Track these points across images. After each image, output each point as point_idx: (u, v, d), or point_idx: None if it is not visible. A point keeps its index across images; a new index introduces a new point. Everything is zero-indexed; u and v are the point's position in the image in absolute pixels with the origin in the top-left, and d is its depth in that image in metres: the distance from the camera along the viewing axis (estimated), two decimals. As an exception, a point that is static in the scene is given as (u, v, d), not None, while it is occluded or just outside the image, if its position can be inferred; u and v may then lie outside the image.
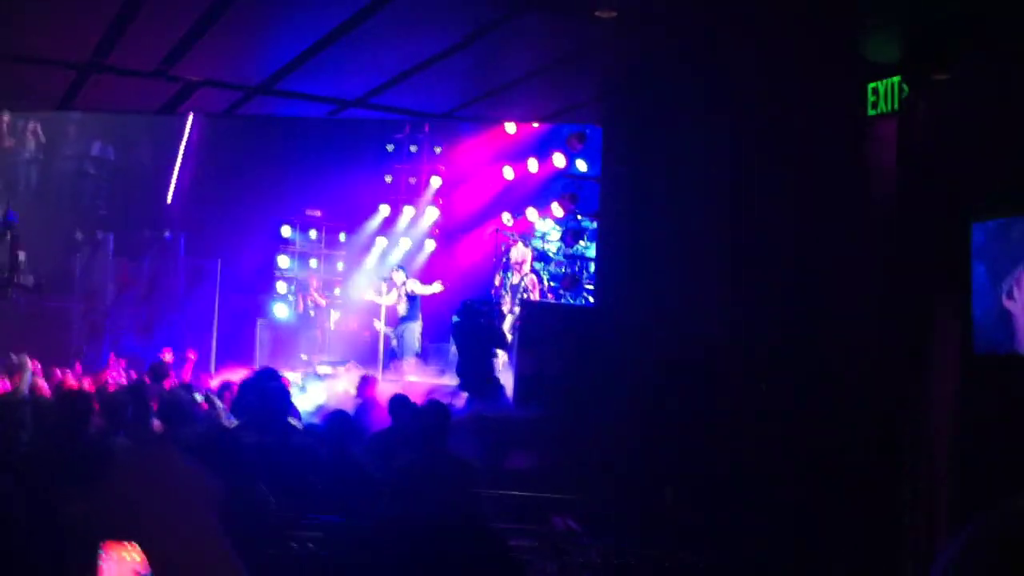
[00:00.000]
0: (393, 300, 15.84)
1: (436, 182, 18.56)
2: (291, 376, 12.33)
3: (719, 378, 8.80)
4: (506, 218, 16.28)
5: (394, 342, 15.68)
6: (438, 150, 18.66)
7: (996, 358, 6.98)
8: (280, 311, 18.55)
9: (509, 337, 12.25)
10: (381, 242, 18.99)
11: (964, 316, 7.14)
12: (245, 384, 8.10)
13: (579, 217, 14.05)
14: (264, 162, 17.95)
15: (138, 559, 1.90)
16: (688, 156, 9.81)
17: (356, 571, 4.85)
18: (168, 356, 13.39)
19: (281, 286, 18.88)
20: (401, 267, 16.42)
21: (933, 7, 7.21)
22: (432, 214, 18.62)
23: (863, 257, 7.83)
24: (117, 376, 13.27)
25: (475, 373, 11.33)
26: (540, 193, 15.61)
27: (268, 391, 7.30)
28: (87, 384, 11.11)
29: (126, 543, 1.88)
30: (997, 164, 6.99)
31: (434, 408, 6.68)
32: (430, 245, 18.59)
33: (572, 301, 13.92)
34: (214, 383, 11.75)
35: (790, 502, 7.41)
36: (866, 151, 7.87)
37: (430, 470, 5.99)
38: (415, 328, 15.42)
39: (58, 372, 12.25)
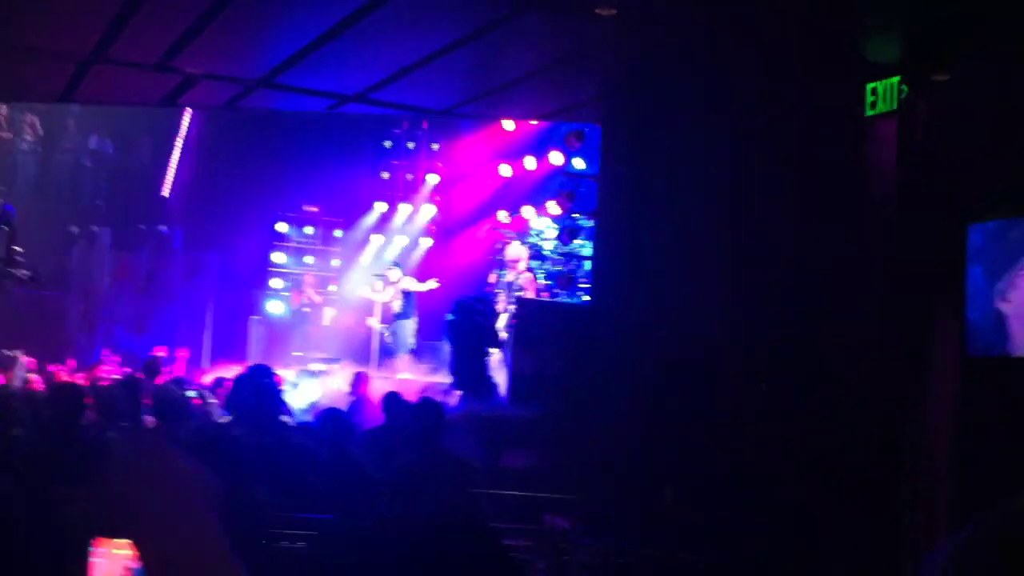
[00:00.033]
0: (388, 297, 15.82)
1: (433, 179, 18.53)
2: (284, 373, 12.30)
3: (716, 377, 8.79)
4: (503, 216, 16.26)
5: (388, 339, 15.65)
6: (436, 147, 18.64)
7: (991, 360, 6.98)
8: (275, 307, 18.52)
9: (504, 335, 12.23)
10: (377, 239, 18.96)
11: (961, 317, 7.14)
12: (238, 380, 8.08)
13: (576, 215, 14.03)
14: (261, 158, 17.91)
15: (129, 555, 1.88)
16: (687, 155, 9.80)
17: (355, 570, 4.83)
18: (162, 353, 13.38)
19: (276, 282, 18.86)
20: (397, 264, 16.40)
21: (933, 7, 7.20)
22: (428, 211, 18.60)
23: (862, 257, 7.82)
24: (110, 371, 13.24)
25: (469, 371, 11.32)
26: (537, 191, 15.60)
27: (261, 388, 7.28)
28: (80, 379, 11.08)
29: (118, 539, 1.86)
30: (996, 165, 6.99)
31: (428, 406, 6.67)
32: (426, 242, 18.57)
33: (568, 300, 13.90)
34: (207, 379, 11.72)
35: (790, 502, 7.40)
36: (865, 151, 7.87)
37: (429, 469, 5.97)
38: (409, 325, 15.40)
39: (51, 368, 12.22)
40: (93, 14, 8.41)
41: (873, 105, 7.74)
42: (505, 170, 16.18)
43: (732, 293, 9.04)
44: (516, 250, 14.34)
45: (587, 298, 13.11)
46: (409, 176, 18.77)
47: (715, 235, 9.34)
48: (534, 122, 14.67)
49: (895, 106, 7.56)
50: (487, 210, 16.81)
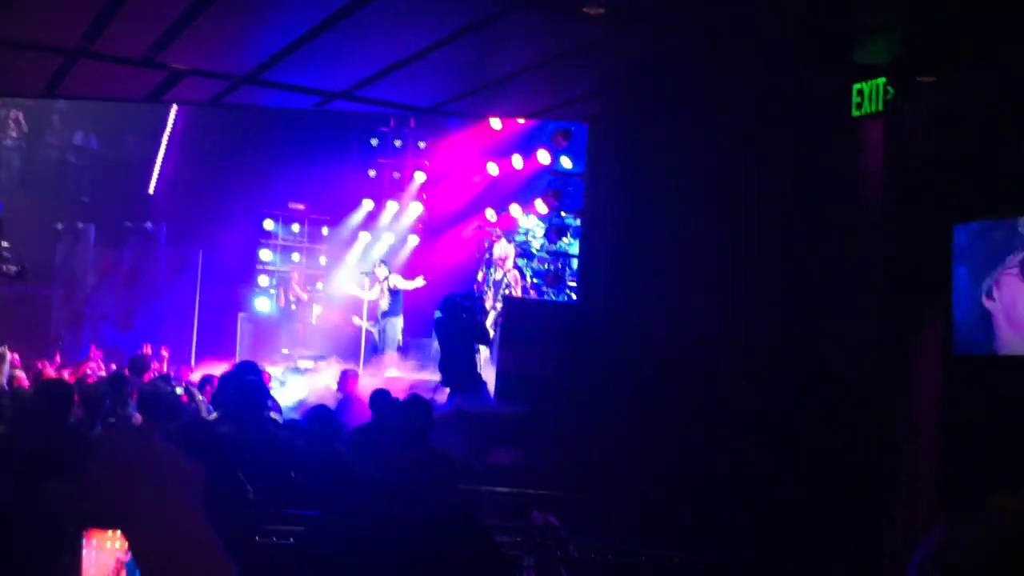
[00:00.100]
0: (375, 295, 15.82)
1: (420, 177, 18.53)
2: (272, 370, 12.29)
3: (706, 376, 8.81)
4: (490, 214, 16.28)
5: (376, 337, 15.65)
6: (422, 145, 18.64)
7: (977, 358, 7.03)
8: (262, 305, 18.49)
9: (491, 333, 12.24)
10: (364, 237, 18.95)
11: (947, 317, 7.19)
12: (225, 377, 8.08)
13: (563, 214, 14.06)
14: (247, 154, 17.88)
15: (121, 547, 1.88)
16: (674, 154, 9.82)
17: (347, 568, 4.83)
18: (147, 350, 13.34)
19: (263, 279, 18.84)
20: (384, 262, 16.40)
21: (919, 11, 7.25)
22: (416, 209, 18.60)
23: (851, 257, 7.86)
24: (96, 368, 13.20)
25: (457, 369, 11.32)
26: (524, 189, 15.62)
27: (246, 384, 7.27)
28: (66, 375, 11.05)
29: (108, 530, 1.86)
30: (981, 166, 7.04)
31: (417, 404, 6.67)
32: (413, 240, 18.57)
33: (555, 298, 13.92)
34: (195, 376, 11.70)
35: (788, 502, 7.42)
36: (852, 152, 7.90)
37: (415, 466, 5.97)
38: (397, 323, 15.40)
39: (38, 364, 12.18)
40: (78, 7, 8.37)
41: (859, 106, 7.78)
42: (492, 168, 16.19)
43: (720, 292, 9.07)
44: (503, 248, 14.36)
45: (575, 296, 13.13)
46: (396, 174, 18.77)
47: (703, 233, 9.37)
48: (521, 120, 14.68)
49: (881, 107, 7.60)
50: (474, 208, 16.82)
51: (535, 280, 14.63)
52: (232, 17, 8.68)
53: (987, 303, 6.92)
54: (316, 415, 7.31)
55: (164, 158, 19.31)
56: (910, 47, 7.34)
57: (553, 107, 11.31)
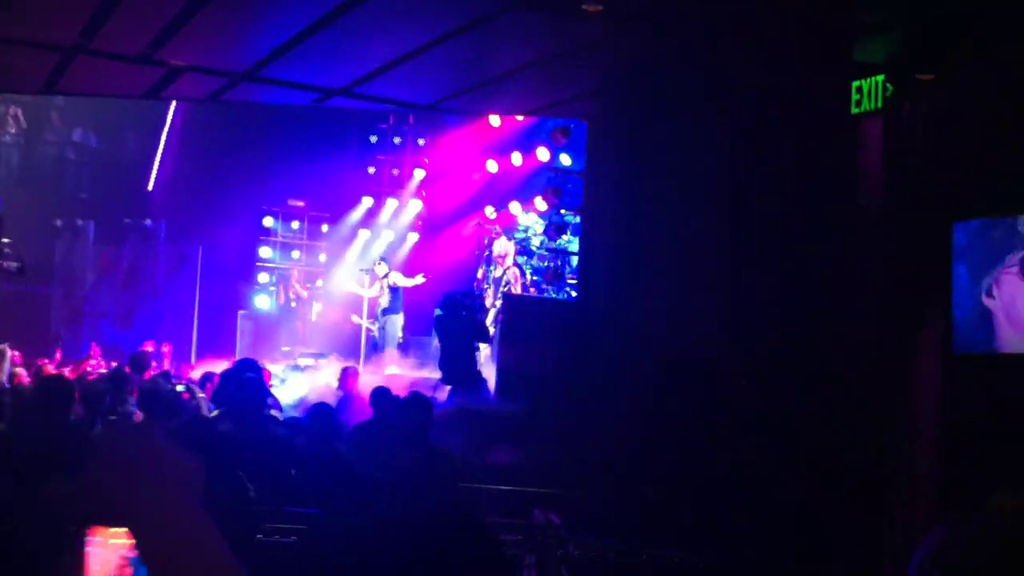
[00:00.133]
0: (375, 292, 15.81)
1: (419, 174, 18.52)
2: (272, 368, 12.29)
3: (706, 375, 8.80)
4: (489, 211, 16.27)
5: (376, 334, 15.65)
6: (422, 142, 18.63)
7: (976, 357, 7.04)
8: (262, 302, 18.49)
9: (491, 330, 12.24)
10: (364, 234, 18.94)
11: (947, 315, 7.19)
12: (226, 375, 8.08)
13: (562, 211, 14.05)
14: (247, 151, 17.86)
15: (125, 544, 1.88)
16: (673, 153, 9.80)
17: (342, 567, 4.83)
18: (149, 347, 13.34)
19: (263, 277, 18.83)
20: (384, 259, 16.39)
21: (917, 9, 7.25)
22: (415, 206, 18.59)
23: (850, 256, 7.85)
24: (97, 365, 13.20)
25: (457, 366, 11.32)
26: (524, 187, 15.61)
27: (246, 382, 7.28)
28: (67, 373, 11.05)
29: (111, 528, 1.86)
30: (980, 164, 7.03)
31: (417, 401, 6.67)
32: (413, 237, 18.56)
33: (555, 295, 13.92)
34: (196, 374, 11.70)
35: (788, 502, 7.42)
36: (852, 150, 7.90)
37: (415, 465, 5.97)
38: (397, 320, 15.40)
39: (38, 362, 12.17)
40: (76, 4, 8.36)
41: (858, 104, 7.78)
42: (492, 166, 16.18)
43: (719, 291, 9.05)
44: (503, 246, 14.35)
45: (575, 294, 13.13)
46: (395, 171, 18.76)
47: (702, 233, 9.35)
48: (520, 117, 14.67)
49: (880, 105, 7.60)
50: (474, 206, 16.81)
51: (535, 277, 14.62)
52: (230, 13, 8.68)
53: (987, 302, 6.92)
54: (317, 413, 7.32)
55: (163, 155, 19.29)
56: (910, 45, 7.34)
57: (552, 104, 11.31)
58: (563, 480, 8.14)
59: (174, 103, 18.00)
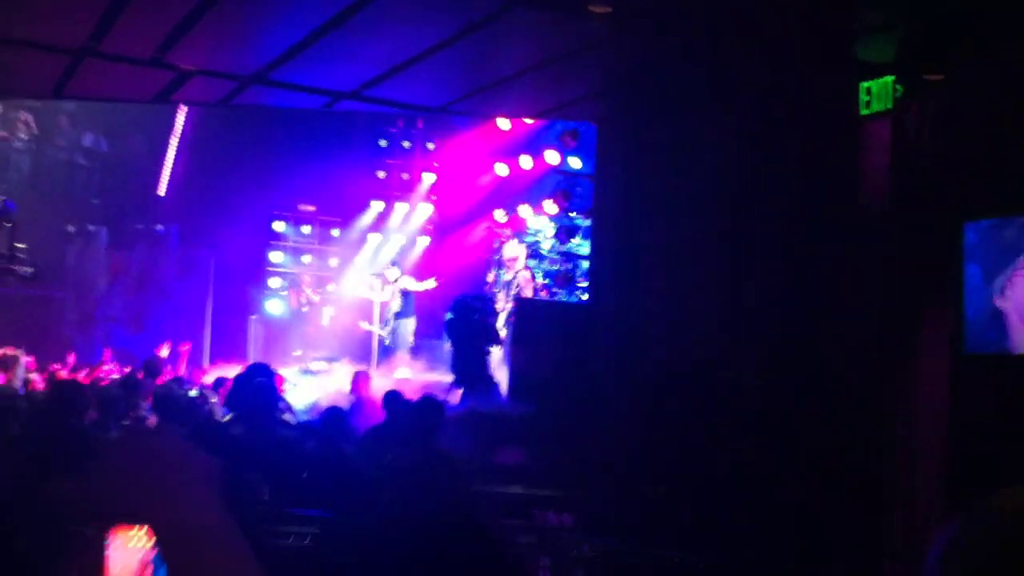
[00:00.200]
0: (387, 297, 15.83)
1: (429, 178, 18.54)
2: (285, 372, 12.32)
3: (714, 377, 8.80)
4: (499, 215, 16.27)
5: (387, 340, 15.67)
6: (431, 146, 18.64)
7: (987, 357, 7.01)
8: (273, 307, 18.53)
9: (503, 334, 12.25)
10: (374, 238, 18.96)
11: (958, 315, 7.16)
12: (238, 379, 8.11)
13: (573, 214, 14.06)
14: (257, 155, 17.90)
15: (145, 545, 1.90)
16: (676, 152, 9.81)
17: (343, 567, 4.84)
18: (165, 350, 13.35)
19: (274, 281, 18.87)
20: (395, 263, 16.40)
21: (928, 6, 7.24)
22: (425, 210, 18.60)
23: (859, 256, 7.84)
24: (110, 371, 13.25)
25: (469, 370, 11.33)
26: (534, 190, 15.61)
27: (257, 386, 7.31)
28: (81, 378, 11.09)
29: (132, 527, 1.88)
30: (990, 164, 7.02)
31: (429, 404, 6.68)
32: (423, 241, 18.57)
33: (566, 298, 13.92)
34: (208, 378, 11.74)
35: (789, 502, 7.42)
36: (860, 151, 7.88)
37: (414, 466, 5.98)
38: (408, 324, 15.42)
39: (51, 367, 12.22)
40: (85, 7, 8.39)
41: (868, 104, 7.77)
42: (501, 169, 16.19)
43: (728, 292, 9.05)
44: (513, 249, 14.35)
45: (585, 297, 13.13)
46: (405, 175, 18.77)
47: (707, 233, 9.35)
48: (529, 121, 14.68)
49: (890, 105, 7.59)
50: (484, 209, 16.81)
51: (546, 281, 14.63)
52: (239, 17, 8.71)
53: (999, 302, 6.90)
54: (329, 417, 7.34)
55: (174, 160, 19.35)
56: (917, 44, 7.33)
57: (561, 106, 11.32)
58: (570, 481, 8.15)
59: (184, 108, 18.05)
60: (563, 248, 14.39)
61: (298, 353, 17.28)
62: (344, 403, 9.16)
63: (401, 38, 8.93)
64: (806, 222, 8.28)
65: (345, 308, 18.29)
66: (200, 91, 11.26)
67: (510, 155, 15.88)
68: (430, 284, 15.52)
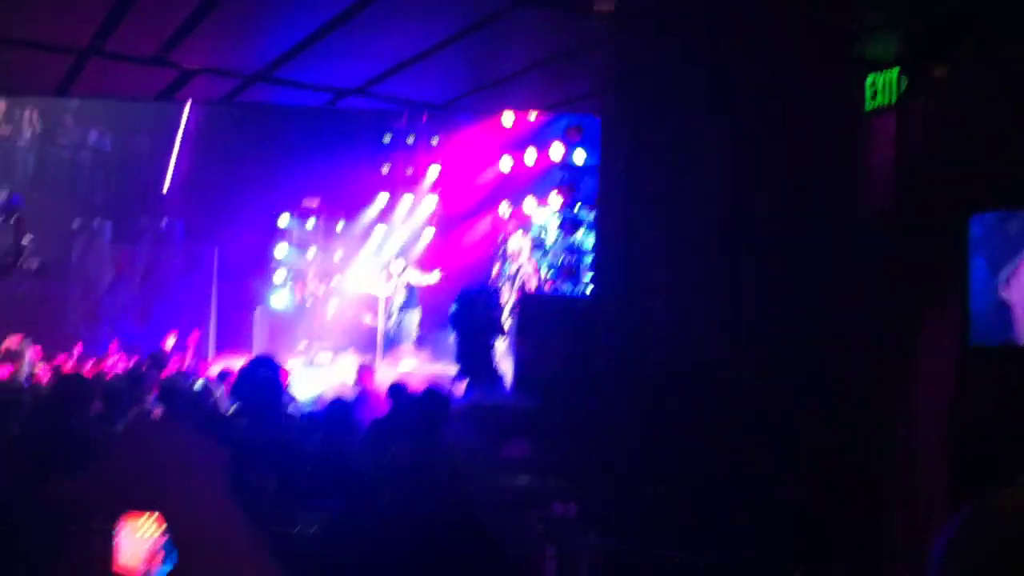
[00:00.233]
0: (391, 289, 15.85)
1: (434, 171, 18.54)
2: (290, 365, 12.35)
3: (713, 377, 8.80)
4: (504, 208, 16.28)
5: (393, 331, 15.70)
6: (435, 141, 18.63)
7: (992, 348, 7.02)
8: (278, 300, 18.56)
9: (507, 326, 12.27)
10: (379, 231, 18.98)
11: (963, 307, 7.16)
12: (243, 372, 8.13)
13: (577, 208, 14.07)
14: (261, 151, 17.94)
15: (155, 533, 1.91)
16: (675, 150, 9.80)
17: (343, 567, 4.87)
18: (171, 340, 13.38)
19: (279, 275, 18.89)
20: (399, 256, 16.42)
21: (927, 8, 7.24)
22: (431, 202, 18.60)
23: (859, 256, 7.84)
24: (115, 364, 13.29)
25: (474, 362, 11.35)
26: (538, 183, 15.62)
27: (261, 379, 7.32)
28: (86, 370, 11.13)
29: (142, 516, 1.89)
30: (996, 156, 7.01)
31: (434, 396, 6.70)
32: (428, 234, 18.58)
33: (570, 291, 13.94)
34: (213, 371, 11.77)
35: (790, 502, 7.42)
36: (864, 144, 7.88)
37: (416, 466, 5.99)
38: (413, 317, 15.44)
39: (58, 359, 12.26)
40: (90, 6, 8.40)
41: (873, 97, 7.76)
42: (506, 163, 16.20)
43: (730, 286, 9.05)
44: (518, 242, 14.37)
45: (590, 290, 13.15)
46: (409, 170, 18.78)
47: (703, 230, 9.35)
48: (533, 116, 14.68)
49: (894, 99, 7.58)
50: (489, 202, 16.82)
51: (550, 273, 14.65)
52: (243, 15, 8.72)
53: (1004, 293, 6.91)
54: (334, 409, 7.36)
55: (178, 156, 19.38)
56: (921, 39, 7.33)
57: (566, 101, 11.33)
58: (575, 473, 8.16)
59: (188, 104, 18.08)
60: (568, 241, 14.40)
61: (303, 346, 17.32)
62: (349, 395, 9.18)
63: (407, 34, 8.94)
64: (806, 222, 8.28)
65: (349, 301, 18.32)
66: (205, 89, 11.28)
67: (514, 149, 15.88)
68: (434, 277, 15.54)
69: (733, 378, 8.51)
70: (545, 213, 15.40)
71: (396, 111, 17.05)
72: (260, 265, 18.71)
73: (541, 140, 15.04)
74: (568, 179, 13.97)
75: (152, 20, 8.63)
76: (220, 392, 9.29)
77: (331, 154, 17.80)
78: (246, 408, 7.20)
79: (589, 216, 13.61)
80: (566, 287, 14.10)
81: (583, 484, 7.83)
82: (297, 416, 8.56)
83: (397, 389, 8.33)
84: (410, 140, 18.76)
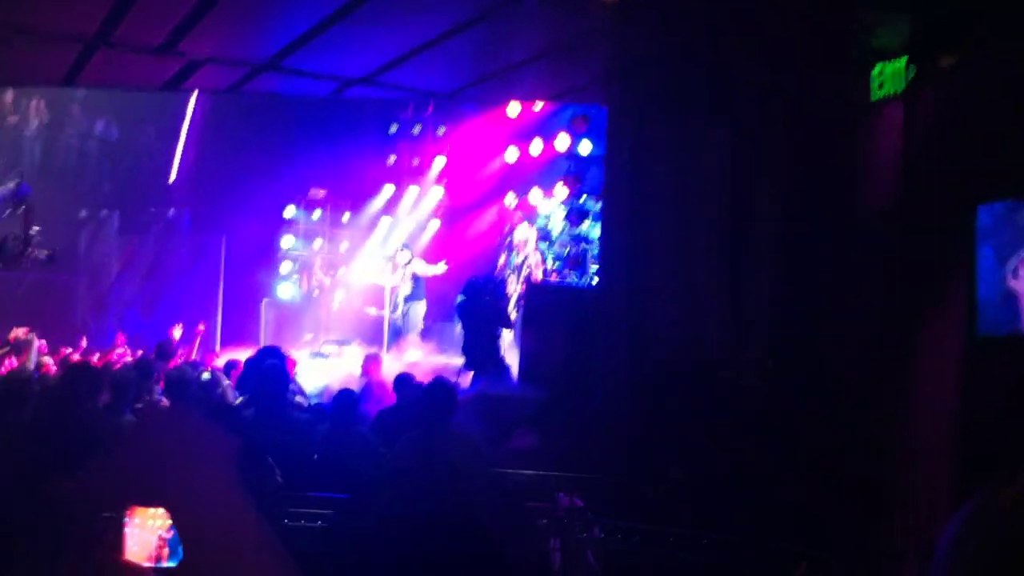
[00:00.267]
0: (398, 280, 15.85)
1: (440, 162, 18.52)
2: (297, 355, 12.37)
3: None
4: (510, 198, 16.25)
5: (399, 322, 15.70)
6: (441, 131, 18.60)
7: (999, 338, 7.00)
8: (285, 291, 18.58)
9: (513, 316, 12.27)
10: (385, 222, 18.97)
11: (970, 298, 7.15)
12: (249, 362, 8.16)
13: (583, 198, 14.04)
14: (268, 141, 17.92)
15: (163, 524, 1.92)
16: (677, 148, 9.78)
17: (345, 567, 4.88)
18: (178, 331, 13.40)
19: (285, 266, 18.91)
20: (406, 247, 16.42)
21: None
22: (436, 193, 18.58)
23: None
24: (123, 354, 13.32)
25: (480, 352, 11.35)
26: (544, 173, 15.59)
27: (268, 369, 7.34)
28: (94, 361, 11.15)
29: (151, 506, 1.90)
30: (1004, 146, 6.99)
31: (440, 387, 6.70)
32: (434, 225, 18.57)
33: (576, 281, 13.93)
34: (220, 361, 11.80)
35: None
36: (871, 135, 7.86)
37: (430, 448, 6.00)
38: (419, 307, 15.44)
39: (64, 350, 12.29)
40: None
41: (880, 86, 7.73)
42: (512, 153, 16.17)
43: (731, 286, 9.04)
44: (524, 232, 14.35)
45: (596, 280, 13.13)
46: (415, 160, 18.76)
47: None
48: (539, 106, 14.65)
49: (902, 88, 7.56)
50: (495, 193, 16.79)
51: (557, 264, 14.63)
52: (250, 4, 8.71)
53: (1012, 283, 6.90)
54: (340, 400, 7.38)
55: (185, 146, 19.39)
56: (929, 28, 7.30)
57: (572, 91, 11.30)
58: (581, 465, 8.16)
59: (195, 94, 18.08)
60: (574, 231, 14.38)
61: (309, 337, 17.34)
62: (355, 386, 9.20)
63: (414, 23, 8.92)
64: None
65: (356, 292, 18.33)
66: (211, 78, 11.27)
67: (521, 139, 15.86)
68: (441, 268, 15.53)
69: (733, 378, 8.50)
70: (551, 203, 15.37)
71: (402, 102, 17.02)
72: (266, 256, 18.72)
73: (547, 130, 15.01)
74: (574, 169, 13.94)
75: (159, 9, 8.63)
76: (227, 383, 9.31)
77: (337, 145, 17.79)
78: (253, 398, 7.23)
79: (595, 206, 13.58)
80: (572, 277, 14.08)
81: (585, 480, 7.84)
82: (304, 406, 8.58)
83: (403, 380, 8.34)
84: (416, 131, 18.72)
